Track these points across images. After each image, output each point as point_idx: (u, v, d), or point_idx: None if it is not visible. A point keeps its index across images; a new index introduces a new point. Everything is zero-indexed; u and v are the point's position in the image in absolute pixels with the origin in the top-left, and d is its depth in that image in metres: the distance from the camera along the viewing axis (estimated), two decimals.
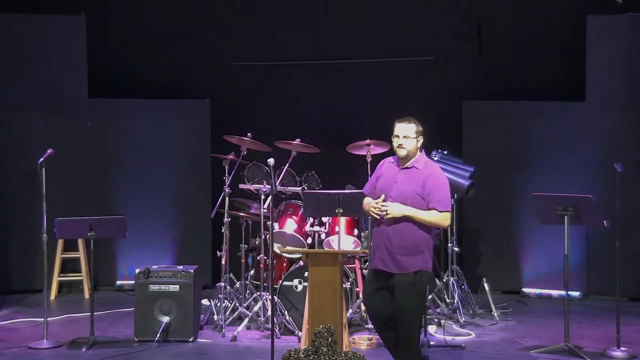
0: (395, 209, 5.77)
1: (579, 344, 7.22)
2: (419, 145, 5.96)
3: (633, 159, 8.71)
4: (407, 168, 5.93)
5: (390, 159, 6.07)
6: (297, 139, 8.50)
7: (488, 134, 9.67)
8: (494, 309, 8.41)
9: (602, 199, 7.78)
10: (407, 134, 5.90)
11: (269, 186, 7.76)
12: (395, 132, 5.93)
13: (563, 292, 7.45)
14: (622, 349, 7.05)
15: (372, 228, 6.18)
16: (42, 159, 7.43)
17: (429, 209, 5.83)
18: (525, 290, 9.47)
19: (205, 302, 8.35)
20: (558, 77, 9.69)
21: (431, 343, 7.19)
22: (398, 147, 5.91)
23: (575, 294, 9.14)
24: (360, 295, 7.97)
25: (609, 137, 9.17)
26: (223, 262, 8.18)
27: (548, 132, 9.46)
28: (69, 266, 9.68)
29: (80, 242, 9.53)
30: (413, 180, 5.86)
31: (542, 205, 7.25)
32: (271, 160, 6.38)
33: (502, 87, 9.96)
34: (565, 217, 7.07)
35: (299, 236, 8.16)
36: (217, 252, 8.31)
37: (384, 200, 5.84)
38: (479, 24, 9.93)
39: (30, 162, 8.19)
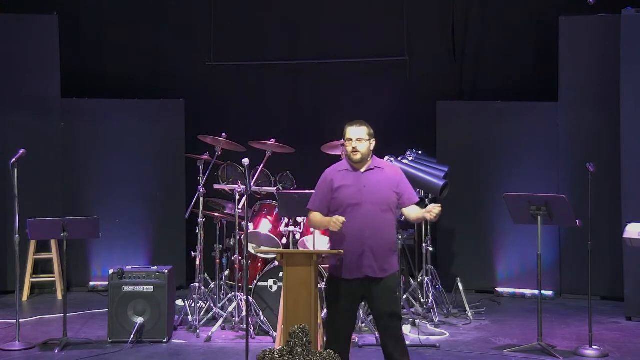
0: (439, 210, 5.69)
1: (552, 343, 7.28)
2: (372, 148, 5.83)
3: (605, 158, 8.78)
4: (370, 170, 5.81)
5: (337, 167, 5.89)
6: (272, 139, 8.50)
7: (462, 134, 9.72)
8: (468, 309, 8.45)
9: (575, 199, 7.85)
10: (360, 137, 5.77)
11: (244, 186, 7.75)
12: (348, 136, 5.77)
13: (536, 292, 7.52)
14: (594, 347, 7.11)
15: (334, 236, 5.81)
16: (14, 159, 7.37)
17: (402, 203, 5.81)
18: (499, 289, 9.53)
19: (179, 302, 8.32)
20: (531, 77, 9.77)
21: (406, 343, 7.19)
22: (353, 151, 5.76)
23: (548, 293, 9.21)
24: None
25: (581, 137, 9.24)
26: (197, 262, 8.16)
27: (521, 132, 9.52)
28: (42, 267, 9.60)
29: (53, 243, 9.45)
30: (384, 180, 5.78)
31: (515, 205, 7.30)
32: (246, 161, 6.37)
33: (475, 87, 10.03)
34: (538, 216, 7.13)
35: (274, 236, 8.15)
36: (192, 252, 8.29)
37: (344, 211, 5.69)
38: (453, 24, 9.97)
39: (2, 163, 8.12)
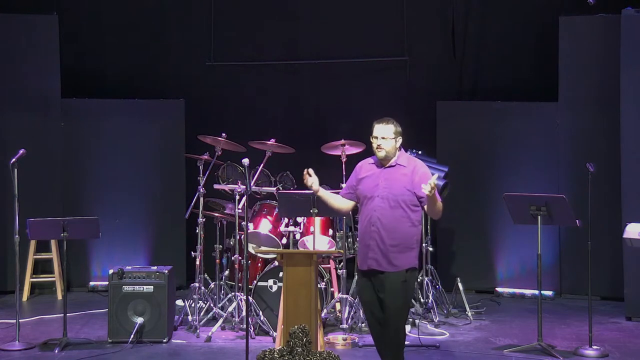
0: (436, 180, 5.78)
1: (552, 343, 7.29)
2: (397, 146, 5.98)
3: (605, 158, 8.79)
4: (390, 167, 5.94)
5: (370, 160, 6.07)
6: (272, 139, 8.50)
7: (462, 134, 9.72)
8: (467, 309, 8.45)
9: (575, 199, 7.85)
10: (385, 135, 5.92)
11: (244, 186, 7.75)
12: (374, 134, 5.96)
13: (536, 292, 7.52)
14: (594, 347, 7.11)
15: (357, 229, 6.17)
16: (14, 159, 7.37)
17: (420, 201, 5.87)
18: (499, 289, 9.53)
19: (179, 302, 8.32)
20: (531, 77, 9.76)
21: (405, 343, 7.19)
22: (377, 148, 5.94)
23: (548, 293, 9.21)
24: (336, 295, 8.00)
25: (581, 137, 9.24)
26: (197, 262, 8.16)
27: (521, 132, 9.52)
28: (42, 267, 9.59)
29: (53, 243, 9.45)
30: (400, 177, 5.89)
31: (515, 205, 7.30)
32: (246, 161, 6.37)
33: (475, 87, 10.04)
34: (538, 216, 7.13)
35: (274, 236, 8.15)
36: (192, 252, 8.29)
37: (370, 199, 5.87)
38: (453, 24, 9.97)
39: (2, 163, 8.12)
